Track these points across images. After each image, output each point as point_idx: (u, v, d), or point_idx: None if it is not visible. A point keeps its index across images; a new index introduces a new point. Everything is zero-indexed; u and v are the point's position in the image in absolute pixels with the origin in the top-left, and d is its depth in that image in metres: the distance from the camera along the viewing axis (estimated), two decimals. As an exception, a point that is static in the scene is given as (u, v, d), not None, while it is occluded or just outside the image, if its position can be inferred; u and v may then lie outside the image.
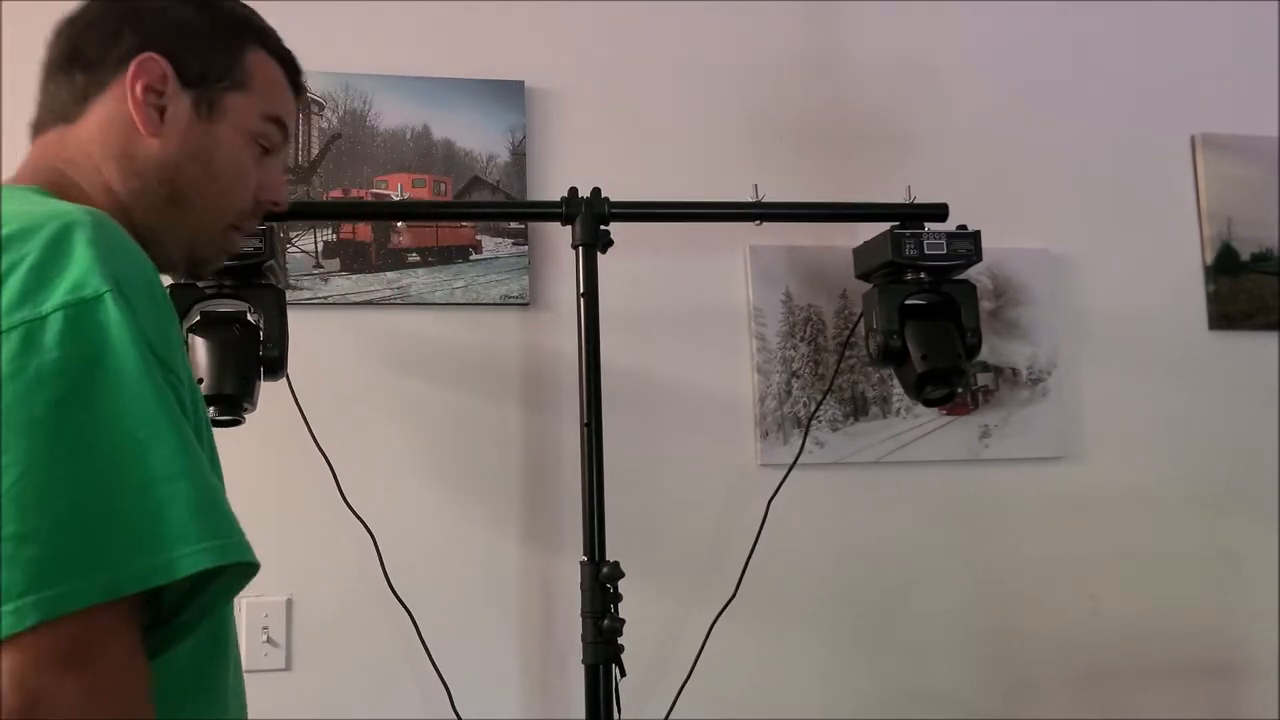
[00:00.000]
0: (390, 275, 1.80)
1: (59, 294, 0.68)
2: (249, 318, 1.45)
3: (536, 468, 1.80)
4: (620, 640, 1.44)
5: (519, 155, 1.86)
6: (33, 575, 0.62)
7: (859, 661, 1.85)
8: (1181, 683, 1.93)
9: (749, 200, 1.70)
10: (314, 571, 1.71)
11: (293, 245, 1.77)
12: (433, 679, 1.66)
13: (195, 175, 0.91)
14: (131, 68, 0.88)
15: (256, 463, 1.68)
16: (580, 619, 1.47)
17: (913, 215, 1.66)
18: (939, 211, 1.68)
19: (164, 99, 0.89)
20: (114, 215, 0.80)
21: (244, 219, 0.98)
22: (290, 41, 1.01)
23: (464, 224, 1.83)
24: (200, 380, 1.39)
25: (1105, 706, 1.90)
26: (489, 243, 1.83)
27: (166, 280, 0.83)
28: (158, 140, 0.89)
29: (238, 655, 0.89)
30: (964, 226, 1.65)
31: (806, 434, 1.83)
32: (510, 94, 1.87)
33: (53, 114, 0.91)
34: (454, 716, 1.64)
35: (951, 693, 1.86)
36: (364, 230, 1.80)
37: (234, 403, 1.40)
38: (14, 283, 0.68)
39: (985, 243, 1.66)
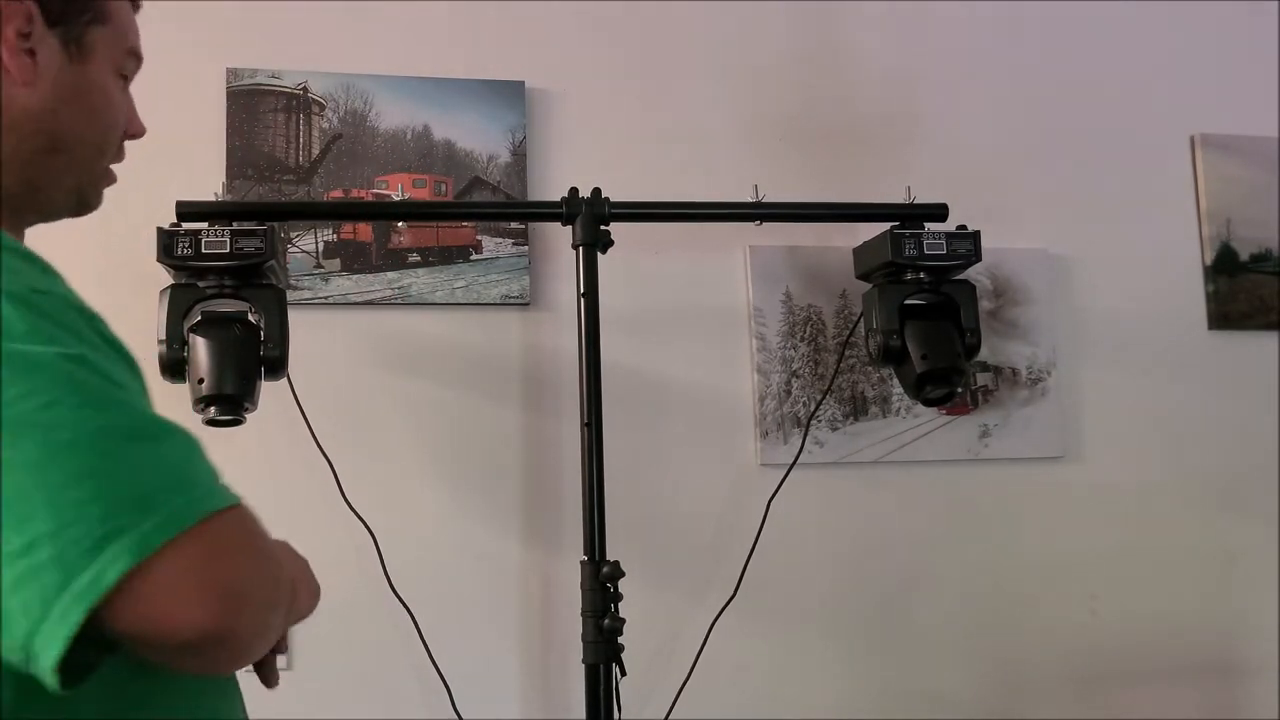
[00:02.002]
0: (391, 275, 1.80)
1: None
2: (250, 318, 1.45)
3: (536, 468, 1.80)
4: (620, 640, 1.45)
5: (519, 155, 1.86)
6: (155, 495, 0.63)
7: (859, 661, 1.85)
8: (1181, 683, 1.94)
9: (749, 200, 1.70)
10: (314, 571, 1.70)
11: (293, 245, 1.77)
12: (433, 679, 1.66)
13: (76, 121, 0.85)
14: None
15: (256, 463, 1.68)
16: (580, 618, 1.47)
17: (912, 215, 1.66)
18: (939, 211, 1.68)
19: (31, 41, 0.81)
20: None
21: (118, 154, 0.93)
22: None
23: (464, 224, 1.83)
24: (201, 380, 1.39)
25: (1105, 706, 1.90)
26: (489, 243, 1.83)
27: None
28: (30, 89, 0.81)
29: None
30: (964, 226, 1.65)
31: (806, 434, 1.83)
32: (510, 94, 1.87)
33: None
34: (454, 716, 1.64)
35: (951, 692, 1.86)
36: (364, 230, 1.80)
37: (235, 403, 1.40)
38: None
39: (985, 243, 1.66)
